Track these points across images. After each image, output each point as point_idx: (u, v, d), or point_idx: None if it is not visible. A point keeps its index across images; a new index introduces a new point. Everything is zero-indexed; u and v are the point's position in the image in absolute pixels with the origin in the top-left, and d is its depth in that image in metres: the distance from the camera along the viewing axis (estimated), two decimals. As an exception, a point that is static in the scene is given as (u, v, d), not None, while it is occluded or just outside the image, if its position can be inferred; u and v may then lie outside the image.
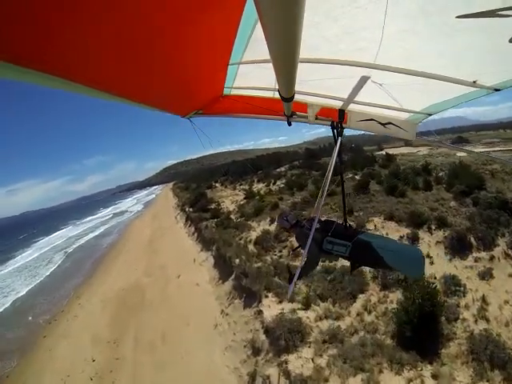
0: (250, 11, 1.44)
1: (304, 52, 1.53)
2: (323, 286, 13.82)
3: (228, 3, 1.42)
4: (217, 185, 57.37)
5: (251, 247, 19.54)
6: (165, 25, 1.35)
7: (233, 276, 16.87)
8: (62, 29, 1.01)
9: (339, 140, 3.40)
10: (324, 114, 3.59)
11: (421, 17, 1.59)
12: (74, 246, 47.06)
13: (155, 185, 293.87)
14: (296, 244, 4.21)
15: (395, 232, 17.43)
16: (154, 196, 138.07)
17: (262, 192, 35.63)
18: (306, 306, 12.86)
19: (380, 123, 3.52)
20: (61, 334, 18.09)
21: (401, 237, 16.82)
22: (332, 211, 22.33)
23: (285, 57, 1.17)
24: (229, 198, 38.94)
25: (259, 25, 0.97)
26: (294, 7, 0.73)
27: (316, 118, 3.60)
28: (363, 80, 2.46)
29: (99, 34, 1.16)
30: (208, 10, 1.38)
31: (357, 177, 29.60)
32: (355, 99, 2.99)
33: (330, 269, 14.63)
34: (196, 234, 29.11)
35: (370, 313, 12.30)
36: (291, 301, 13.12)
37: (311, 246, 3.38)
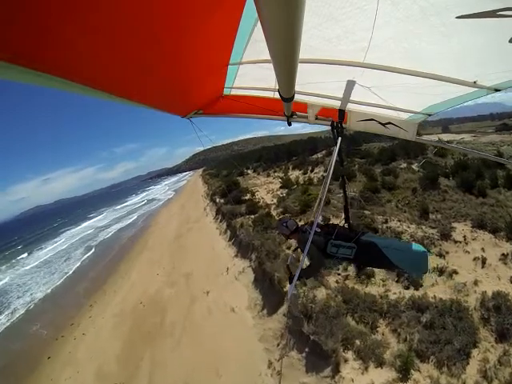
0: (249, 11, 1.48)
1: (304, 53, 1.78)
2: (418, 333, 9.08)
3: (228, 4, 1.43)
4: (249, 171, 52.02)
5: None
6: (165, 25, 1.34)
7: (284, 308, 11.73)
8: (62, 29, 0.99)
9: (339, 140, 3.37)
10: (324, 113, 3.61)
11: (421, 18, 1.57)
12: (99, 240, 43.61)
13: (184, 171, 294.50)
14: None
15: (494, 247, 12.85)
16: (183, 182, 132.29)
17: (300, 180, 31.00)
18: (404, 372, 8.17)
19: (380, 123, 3.50)
20: (65, 359, 14.90)
21: (503, 255, 12.24)
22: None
23: (285, 57, 1.15)
24: (263, 187, 34.32)
25: (259, 25, 0.98)
26: (294, 7, 0.73)
27: (316, 118, 3.66)
28: (351, 84, 2.64)
29: (99, 34, 1.14)
30: (208, 11, 1.39)
31: (414, 167, 24.25)
32: (355, 99, 3.04)
33: (421, 305, 9.89)
34: (229, 233, 24.05)
35: (490, 382, 7.83)
36: (380, 364, 8.46)
37: (314, 251, 3.65)
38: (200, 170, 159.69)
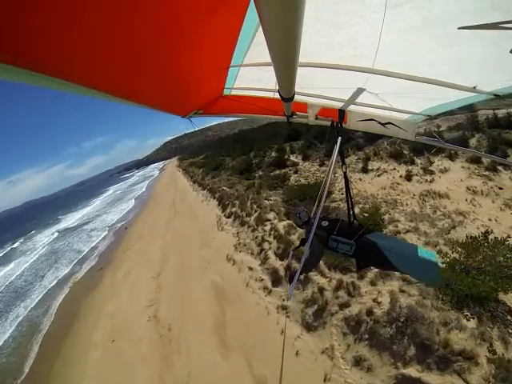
0: (252, 15, 1.49)
1: (306, 56, 1.97)
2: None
3: (230, 7, 1.42)
4: (292, 158, 31.93)
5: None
6: (166, 27, 1.32)
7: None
8: (61, 29, 0.96)
9: (339, 140, 3.42)
10: (324, 113, 3.66)
11: (423, 27, 1.59)
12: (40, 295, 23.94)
13: (155, 162, 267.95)
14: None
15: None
16: (153, 177, 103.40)
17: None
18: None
19: (380, 123, 3.54)
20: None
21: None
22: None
23: (285, 59, 1.16)
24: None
25: (261, 29, 0.99)
26: (294, 10, 0.76)
27: (316, 118, 3.70)
28: (359, 91, 2.72)
29: (99, 34, 1.11)
30: (210, 15, 1.38)
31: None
32: (355, 101, 3.10)
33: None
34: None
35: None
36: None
37: (316, 243, 3.69)
38: (174, 160, 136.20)
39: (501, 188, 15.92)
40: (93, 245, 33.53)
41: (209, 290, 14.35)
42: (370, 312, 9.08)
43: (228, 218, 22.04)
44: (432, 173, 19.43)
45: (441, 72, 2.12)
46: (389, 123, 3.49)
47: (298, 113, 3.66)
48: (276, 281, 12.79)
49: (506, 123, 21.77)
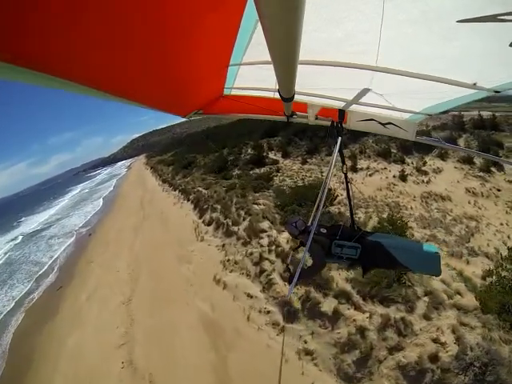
0: (250, 13, 1.46)
1: (305, 54, 1.82)
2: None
3: (228, 5, 1.41)
4: (271, 156, 30.51)
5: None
6: (166, 26, 1.32)
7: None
8: (61, 29, 0.96)
9: (339, 140, 3.38)
10: (324, 113, 3.62)
11: (422, 21, 1.57)
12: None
13: (122, 160, 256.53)
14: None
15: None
16: (121, 175, 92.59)
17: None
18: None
19: (380, 123, 3.48)
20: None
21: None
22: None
23: (285, 58, 1.15)
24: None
25: (259, 27, 1.02)
26: (295, 9, 0.74)
27: (316, 118, 3.65)
28: (364, 92, 2.64)
29: (99, 34, 1.11)
30: (208, 13, 1.37)
31: None
32: (357, 101, 3.05)
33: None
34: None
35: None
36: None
37: (317, 251, 3.57)
38: (142, 157, 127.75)
39: (499, 190, 15.80)
40: (54, 255, 29.77)
41: (197, 324, 11.06)
42: (434, 357, 7.22)
43: (208, 225, 19.02)
44: (426, 173, 18.71)
45: (440, 68, 2.07)
46: (389, 123, 3.46)
47: (298, 113, 3.66)
48: (290, 314, 9.69)
49: (491, 124, 22.37)
